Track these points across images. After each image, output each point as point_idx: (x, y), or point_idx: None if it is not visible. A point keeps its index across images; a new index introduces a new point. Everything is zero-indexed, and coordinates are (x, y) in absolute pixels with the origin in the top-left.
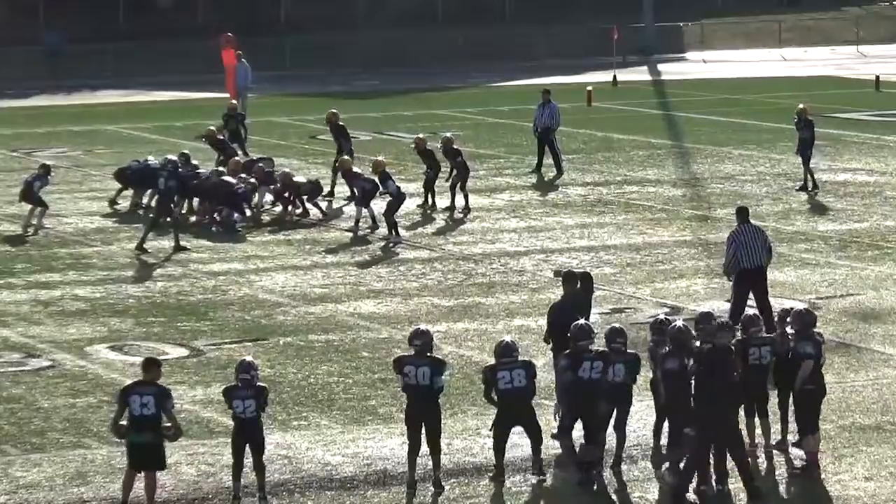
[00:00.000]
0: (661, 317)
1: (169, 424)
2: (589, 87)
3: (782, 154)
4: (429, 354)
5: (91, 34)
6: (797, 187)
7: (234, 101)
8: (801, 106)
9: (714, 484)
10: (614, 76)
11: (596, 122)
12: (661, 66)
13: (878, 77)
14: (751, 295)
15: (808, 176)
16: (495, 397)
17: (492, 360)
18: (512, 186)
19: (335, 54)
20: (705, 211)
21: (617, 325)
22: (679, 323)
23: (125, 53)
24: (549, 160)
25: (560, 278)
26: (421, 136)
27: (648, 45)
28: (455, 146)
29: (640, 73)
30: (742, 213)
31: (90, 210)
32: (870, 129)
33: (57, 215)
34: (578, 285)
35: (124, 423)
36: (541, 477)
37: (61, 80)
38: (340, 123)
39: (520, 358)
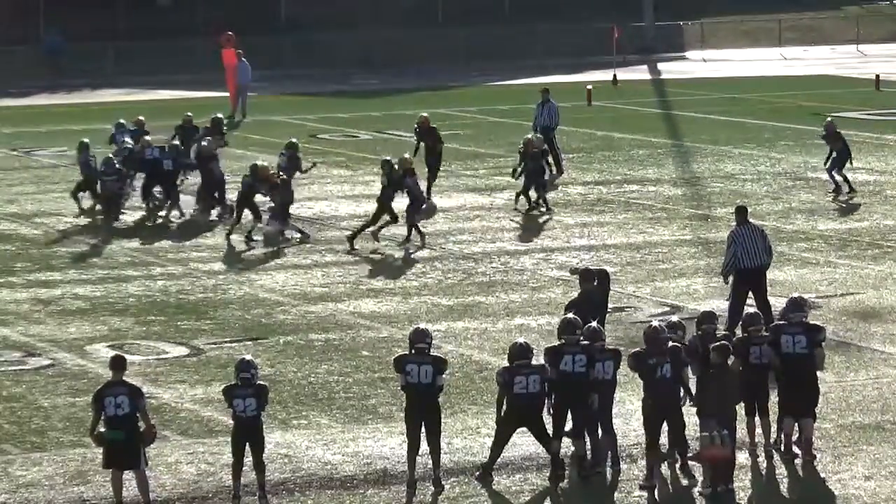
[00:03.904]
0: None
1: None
2: (589, 87)
3: (782, 153)
4: (427, 353)
5: (91, 33)
6: (837, 191)
7: (190, 114)
8: (828, 119)
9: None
10: (614, 75)
11: (596, 122)
12: (661, 66)
13: (878, 76)
14: (750, 295)
15: (844, 180)
16: (505, 405)
17: (491, 359)
18: (512, 185)
19: (335, 54)
20: (705, 210)
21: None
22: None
23: (125, 53)
24: (548, 159)
25: (577, 276)
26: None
27: (649, 44)
28: (432, 125)
29: (640, 73)
30: (741, 212)
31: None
32: (870, 128)
33: (57, 214)
34: (595, 283)
35: (103, 429)
36: (559, 472)
37: (61, 79)
38: (433, 126)
39: (533, 361)
